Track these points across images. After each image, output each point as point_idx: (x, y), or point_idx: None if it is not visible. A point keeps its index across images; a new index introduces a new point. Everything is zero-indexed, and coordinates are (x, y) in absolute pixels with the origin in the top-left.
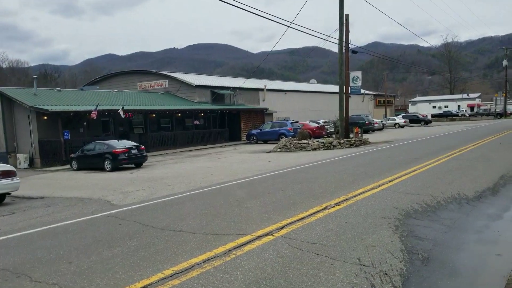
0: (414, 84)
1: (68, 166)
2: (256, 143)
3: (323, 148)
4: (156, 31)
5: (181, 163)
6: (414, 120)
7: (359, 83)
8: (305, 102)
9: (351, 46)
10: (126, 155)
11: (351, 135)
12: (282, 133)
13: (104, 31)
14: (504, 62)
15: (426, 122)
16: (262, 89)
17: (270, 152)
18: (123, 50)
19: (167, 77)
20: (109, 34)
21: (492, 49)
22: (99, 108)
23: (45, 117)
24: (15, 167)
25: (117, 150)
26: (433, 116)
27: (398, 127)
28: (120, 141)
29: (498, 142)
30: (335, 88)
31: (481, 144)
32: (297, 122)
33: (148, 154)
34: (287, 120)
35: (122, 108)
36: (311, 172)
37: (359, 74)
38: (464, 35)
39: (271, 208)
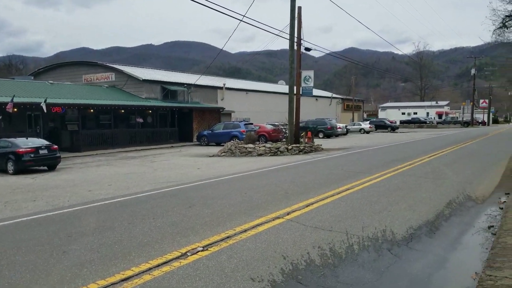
0: (387, 91)
1: None
2: (207, 145)
3: (269, 154)
4: (134, 27)
5: (104, 167)
6: (381, 126)
7: (311, 84)
8: (269, 103)
9: (310, 45)
10: (32, 155)
11: (303, 140)
12: (235, 135)
13: (80, 24)
14: (473, 71)
15: (393, 129)
16: (221, 88)
17: (213, 156)
18: (98, 44)
19: (114, 70)
20: (86, 27)
21: (463, 59)
22: (18, 100)
23: None
24: None
25: (21, 150)
26: (402, 122)
27: (364, 133)
28: (28, 139)
29: (458, 153)
30: None
31: (439, 156)
32: (252, 123)
33: (80, 154)
34: (241, 122)
35: (45, 101)
36: (223, 188)
37: (311, 73)
38: (437, 45)
39: (92, 257)
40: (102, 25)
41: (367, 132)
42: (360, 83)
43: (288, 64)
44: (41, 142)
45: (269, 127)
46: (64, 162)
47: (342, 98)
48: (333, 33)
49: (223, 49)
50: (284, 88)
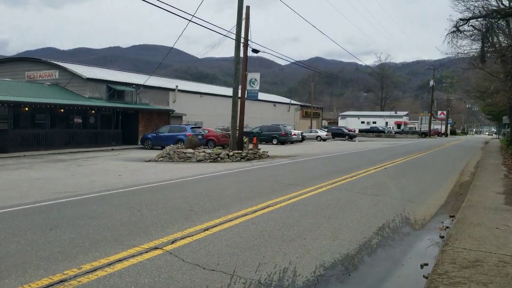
0: (350, 100)
1: None
2: (152, 148)
3: (209, 160)
4: (101, 28)
5: (21, 170)
6: (338, 134)
7: (257, 87)
8: (225, 107)
9: (257, 46)
10: None
11: (247, 146)
12: (180, 138)
13: (48, 24)
14: (431, 83)
15: (351, 137)
16: (173, 89)
17: (149, 161)
18: (65, 44)
19: (58, 67)
20: (53, 27)
21: (424, 71)
22: None
23: None
24: None
25: None
26: (361, 131)
27: (320, 140)
28: None
29: (408, 165)
30: (267, 96)
31: (387, 167)
32: (200, 127)
33: (6, 155)
34: (188, 125)
35: None
36: (117, 203)
37: (257, 76)
38: (401, 57)
39: None
40: (70, 26)
41: (324, 140)
42: (324, 92)
43: (254, 71)
44: None
45: (219, 131)
46: None
47: (301, 105)
48: (301, 43)
49: (191, 54)
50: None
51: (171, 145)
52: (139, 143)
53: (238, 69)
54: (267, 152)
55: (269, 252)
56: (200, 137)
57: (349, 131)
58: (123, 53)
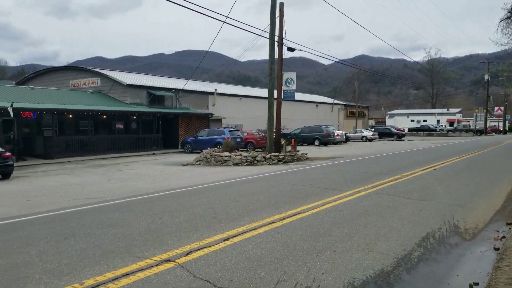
0: (399, 98)
1: None
2: (192, 152)
3: (245, 163)
4: (147, 36)
5: (61, 176)
6: (386, 133)
7: (293, 87)
8: (265, 109)
9: (292, 44)
10: None
11: (284, 148)
12: (219, 142)
13: (96, 34)
14: (486, 77)
15: (399, 136)
16: (212, 93)
17: (187, 165)
18: (112, 53)
19: (100, 75)
20: (101, 37)
21: (478, 66)
22: None
23: None
24: None
25: None
26: (410, 130)
27: (366, 141)
28: None
29: (460, 165)
30: (308, 97)
31: (437, 168)
32: (238, 130)
33: (51, 161)
34: (226, 128)
35: (11, 106)
36: (140, 210)
37: (293, 75)
38: (452, 52)
39: None
40: (116, 35)
41: (370, 140)
42: (371, 90)
43: (298, 72)
44: None
45: (256, 134)
46: (27, 169)
47: (344, 105)
48: (345, 41)
49: (233, 57)
50: None
51: (208, 149)
52: (179, 147)
53: (273, 69)
54: (306, 154)
55: (291, 267)
56: (238, 140)
57: (397, 130)
58: (167, 60)
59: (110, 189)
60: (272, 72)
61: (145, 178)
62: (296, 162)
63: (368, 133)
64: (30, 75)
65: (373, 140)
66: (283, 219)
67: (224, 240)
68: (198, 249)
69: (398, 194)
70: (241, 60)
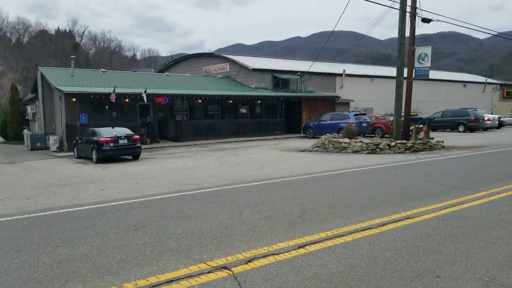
0: None
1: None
2: (313, 137)
3: (366, 151)
4: (283, 21)
5: (182, 159)
6: None
7: (428, 63)
8: (423, 93)
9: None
10: (111, 145)
11: (413, 135)
12: (342, 127)
13: (236, 22)
14: None
15: None
16: (340, 74)
17: (304, 151)
18: (251, 39)
19: (228, 60)
20: (241, 24)
21: None
22: (124, 91)
23: (73, 99)
24: (48, 149)
25: (101, 139)
26: None
27: None
28: (114, 128)
29: None
30: (453, 75)
31: None
32: (365, 114)
33: (179, 144)
34: (352, 112)
35: (145, 92)
36: (227, 200)
37: (428, 50)
38: None
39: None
40: (255, 22)
41: None
42: None
43: (445, 49)
44: (123, 132)
45: (384, 118)
46: (157, 151)
47: (500, 84)
48: (506, 11)
49: (371, 36)
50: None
51: (327, 135)
52: (302, 132)
53: (403, 44)
54: (442, 142)
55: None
56: (364, 124)
57: None
58: (303, 43)
59: (215, 174)
60: (402, 47)
61: (256, 164)
62: (427, 151)
63: None
64: (169, 63)
65: None
66: (383, 225)
67: (299, 247)
68: (263, 256)
69: None
70: (381, 39)
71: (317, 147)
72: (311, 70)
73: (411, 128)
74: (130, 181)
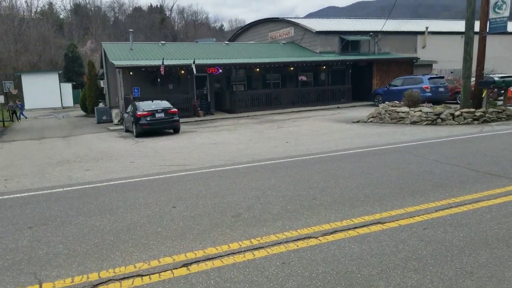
0: None
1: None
2: None
3: (425, 122)
4: None
5: (221, 132)
6: None
7: (506, 12)
8: (502, 49)
9: None
10: (148, 119)
11: (486, 102)
12: None
13: None
14: None
15: None
16: (422, 32)
17: (358, 121)
18: (343, 1)
19: (293, 24)
20: None
21: None
22: (172, 63)
23: (130, 73)
24: (112, 122)
25: (139, 113)
26: None
27: None
28: (154, 102)
29: None
30: None
31: None
32: (443, 77)
33: (231, 116)
34: (426, 75)
35: (194, 63)
36: (233, 182)
37: None
38: None
39: None
40: None
41: None
42: None
43: None
44: (162, 105)
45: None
46: (203, 124)
47: None
48: None
49: None
50: None
51: (386, 103)
52: (371, 99)
53: None
54: None
55: None
56: (442, 89)
57: None
58: (400, 1)
59: (231, 152)
60: None
61: (289, 138)
62: (502, 122)
63: None
64: (238, 31)
65: None
66: (369, 224)
67: (305, 239)
68: (257, 248)
69: None
70: None
71: (372, 117)
72: (385, 29)
73: (483, 94)
74: (156, 158)
